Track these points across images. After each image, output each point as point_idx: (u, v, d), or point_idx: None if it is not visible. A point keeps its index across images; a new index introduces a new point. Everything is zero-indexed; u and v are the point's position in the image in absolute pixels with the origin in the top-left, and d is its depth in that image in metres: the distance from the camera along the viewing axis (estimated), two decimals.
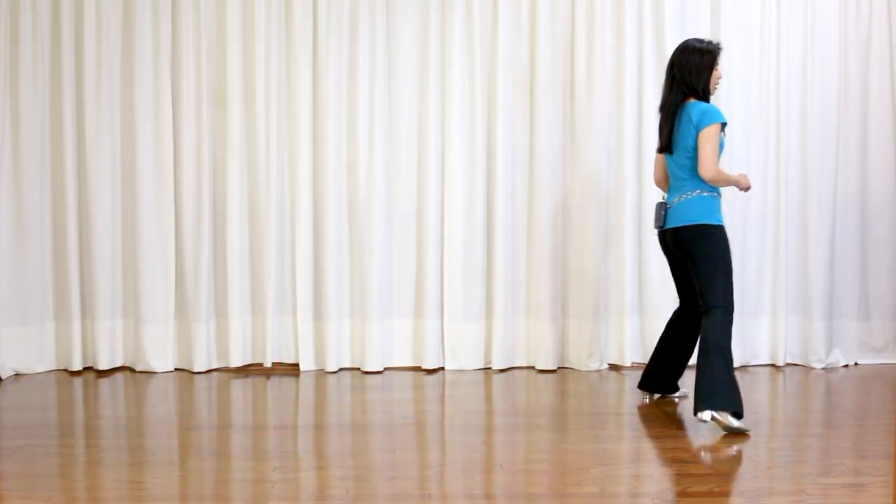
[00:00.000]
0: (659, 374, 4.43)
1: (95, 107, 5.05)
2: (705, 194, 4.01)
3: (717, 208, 4.03)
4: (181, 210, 5.10)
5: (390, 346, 5.23)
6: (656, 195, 5.15)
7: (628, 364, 5.21)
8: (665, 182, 4.28)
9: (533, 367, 5.22)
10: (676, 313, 4.34)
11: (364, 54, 5.11)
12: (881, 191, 5.29)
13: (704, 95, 4.06)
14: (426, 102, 5.14)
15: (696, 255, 3.99)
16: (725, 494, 3.16)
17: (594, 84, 5.13)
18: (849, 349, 5.32)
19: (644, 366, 5.24)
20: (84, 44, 5.01)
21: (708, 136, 3.91)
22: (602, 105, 5.14)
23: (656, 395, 4.53)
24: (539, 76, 5.12)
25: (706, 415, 3.85)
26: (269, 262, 5.11)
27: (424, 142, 5.16)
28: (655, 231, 4.33)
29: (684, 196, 4.04)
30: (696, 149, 3.96)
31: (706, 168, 3.91)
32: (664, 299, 5.16)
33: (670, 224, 4.09)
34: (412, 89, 5.17)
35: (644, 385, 4.49)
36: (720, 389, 3.86)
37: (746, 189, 4.12)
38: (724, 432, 3.88)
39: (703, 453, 3.63)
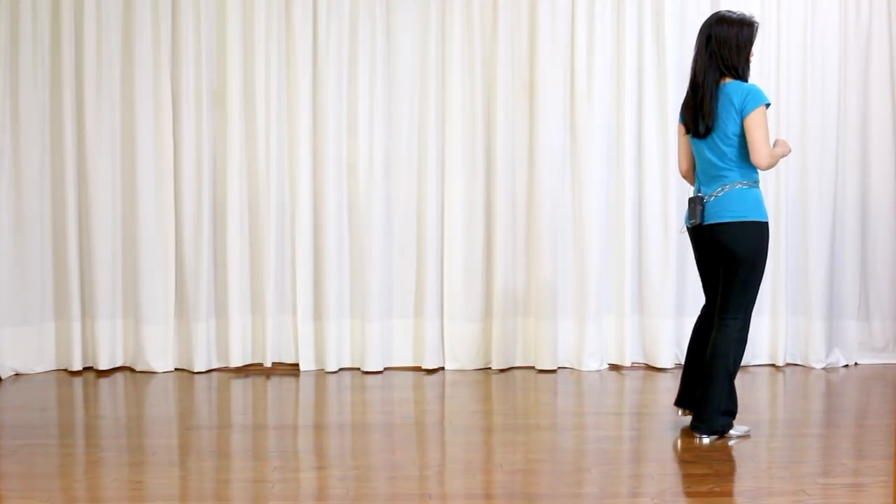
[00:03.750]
0: (694, 387, 3.93)
1: (95, 107, 5.05)
2: (747, 186, 3.65)
3: (762, 202, 3.68)
4: (181, 210, 5.10)
5: (390, 346, 5.23)
6: (656, 194, 5.15)
7: (628, 364, 5.21)
8: (692, 172, 3.87)
9: (533, 367, 5.22)
10: (704, 314, 3.93)
11: (364, 54, 5.11)
12: (881, 191, 5.28)
13: (742, 75, 3.66)
14: (426, 102, 5.14)
15: (739, 256, 3.64)
16: (725, 494, 3.16)
17: (594, 84, 5.13)
18: (849, 349, 5.32)
19: (645, 367, 5.25)
20: (84, 44, 5.01)
21: (757, 119, 3.54)
22: (602, 105, 5.14)
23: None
24: (539, 76, 5.12)
25: (706, 440, 3.77)
26: (269, 261, 5.11)
27: (424, 142, 5.15)
28: (684, 228, 3.83)
29: (725, 188, 3.65)
30: (738, 135, 3.61)
31: (762, 155, 3.54)
32: (664, 299, 5.16)
33: (710, 220, 3.67)
34: (412, 89, 5.17)
35: (680, 401, 4.02)
36: (719, 415, 3.76)
37: (790, 151, 3.73)
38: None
39: (703, 453, 3.63)
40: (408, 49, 5.15)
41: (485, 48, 5.16)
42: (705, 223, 3.70)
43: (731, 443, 3.75)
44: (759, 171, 3.67)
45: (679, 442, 3.77)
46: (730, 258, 3.67)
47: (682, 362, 4.81)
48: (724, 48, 3.65)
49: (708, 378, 3.74)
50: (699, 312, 3.99)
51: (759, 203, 3.67)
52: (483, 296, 5.20)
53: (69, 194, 5.03)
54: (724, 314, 3.73)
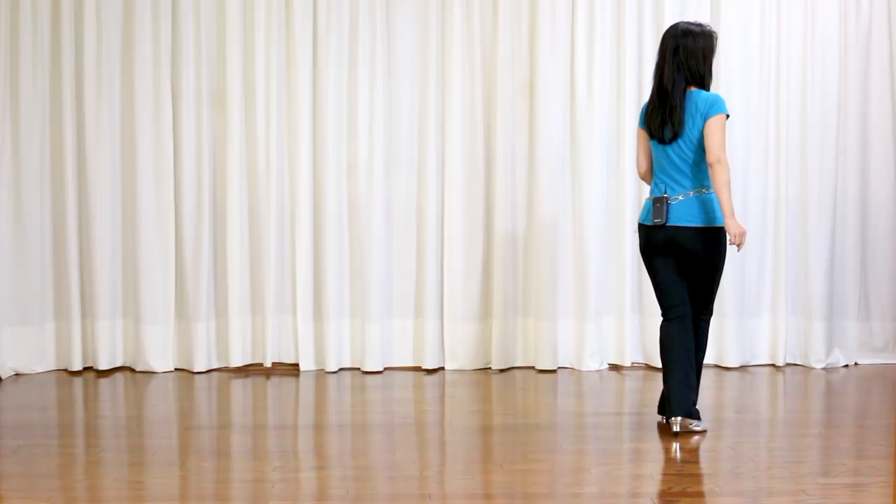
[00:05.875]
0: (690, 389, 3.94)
1: (95, 107, 5.05)
2: (708, 192, 3.83)
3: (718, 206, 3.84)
4: (181, 210, 5.10)
5: (390, 346, 5.23)
6: None
7: (628, 364, 5.21)
8: (651, 173, 4.00)
9: (533, 367, 5.22)
10: (677, 316, 3.92)
11: (364, 54, 5.11)
12: (881, 191, 5.28)
13: (705, 84, 3.86)
14: (426, 102, 5.14)
15: (712, 260, 3.84)
16: (725, 494, 3.16)
17: (594, 84, 5.13)
18: (849, 349, 5.32)
19: (645, 367, 5.25)
20: (84, 44, 5.01)
21: (717, 124, 3.73)
22: (602, 105, 5.14)
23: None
24: (539, 76, 5.12)
25: (701, 425, 3.90)
26: (269, 262, 5.11)
27: (424, 141, 5.16)
28: (637, 226, 3.98)
29: (690, 193, 3.81)
30: (701, 140, 3.77)
31: (714, 152, 3.70)
32: None
33: (675, 221, 3.81)
34: (412, 89, 5.17)
35: (663, 409, 4.04)
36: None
37: (735, 238, 3.74)
38: (697, 430, 3.89)
39: (703, 453, 3.63)
40: (408, 49, 5.15)
41: (485, 48, 5.16)
42: (669, 224, 3.84)
43: (733, 447, 3.76)
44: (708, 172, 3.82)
45: (679, 442, 3.77)
46: (699, 260, 3.86)
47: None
48: (692, 59, 3.83)
49: (698, 370, 3.95)
50: (669, 317, 3.92)
51: (718, 208, 3.84)
52: (483, 296, 5.20)
53: (69, 194, 5.03)
54: (704, 313, 3.97)
